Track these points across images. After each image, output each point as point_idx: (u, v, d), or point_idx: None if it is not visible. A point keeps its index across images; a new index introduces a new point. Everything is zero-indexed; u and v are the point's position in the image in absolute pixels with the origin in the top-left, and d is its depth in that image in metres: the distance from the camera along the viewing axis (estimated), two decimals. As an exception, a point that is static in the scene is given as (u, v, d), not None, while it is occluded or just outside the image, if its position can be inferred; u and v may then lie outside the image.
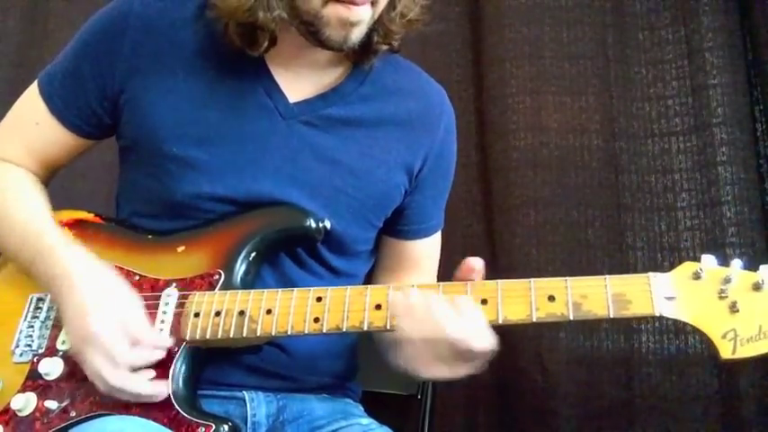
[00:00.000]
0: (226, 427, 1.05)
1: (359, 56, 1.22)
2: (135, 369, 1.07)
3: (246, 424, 1.20)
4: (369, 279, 1.41)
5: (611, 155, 1.93)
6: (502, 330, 1.91)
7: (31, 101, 1.28)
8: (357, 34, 1.13)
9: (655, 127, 1.92)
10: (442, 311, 1.02)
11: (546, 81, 1.97)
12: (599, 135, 1.94)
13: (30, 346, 1.17)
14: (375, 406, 1.38)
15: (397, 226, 1.36)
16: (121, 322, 1.07)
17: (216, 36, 1.20)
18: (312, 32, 1.13)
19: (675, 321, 1.77)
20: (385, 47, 1.22)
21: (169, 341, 1.11)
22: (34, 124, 1.28)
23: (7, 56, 2.23)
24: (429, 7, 1.26)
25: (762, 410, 1.72)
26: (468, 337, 1.01)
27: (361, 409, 1.35)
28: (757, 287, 0.95)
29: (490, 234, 2.01)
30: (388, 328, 1.06)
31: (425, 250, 1.41)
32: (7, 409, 1.12)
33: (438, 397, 1.77)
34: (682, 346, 1.82)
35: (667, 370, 1.83)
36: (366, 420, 1.28)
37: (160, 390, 1.07)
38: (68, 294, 1.10)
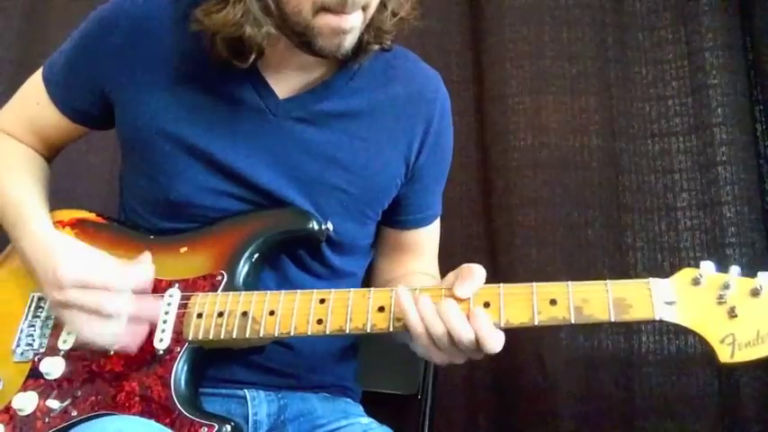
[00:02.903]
0: (228, 427, 1.05)
1: (350, 56, 1.19)
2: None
3: (248, 423, 1.21)
4: (369, 267, 1.41)
5: (611, 155, 1.93)
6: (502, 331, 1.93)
7: (34, 83, 1.34)
8: (350, 41, 1.12)
9: (655, 127, 1.92)
10: (452, 317, 1.01)
11: (546, 81, 1.97)
12: (599, 135, 1.94)
13: (31, 345, 1.18)
14: (375, 406, 1.38)
15: (397, 216, 1.35)
16: (92, 261, 1.13)
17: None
18: (305, 42, 1.12)
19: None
20: (376, 46, 1.20)
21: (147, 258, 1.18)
22: (35, 104, 1.33)
23: (7, 55, 2.23)
24: (420, 2, 1.24)
25: (762, 410, 1.72)
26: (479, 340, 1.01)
27: (361, 409, 1.35)
28: (755, 293, 0.96)
29: (490, 234, 2.01)
30: (391, 330, 1.06)
31: (426, 238, 1.41)
32: (8, 408, 1.12)
33: (438, 397, 1.77)
34: (682, 346, 1.82)
35: (667, 370, 1.82)
36: (366, 420, 1.28)
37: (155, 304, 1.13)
38: (40, 264, 1.14)
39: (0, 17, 2.24)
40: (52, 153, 1.40)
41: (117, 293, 1.10)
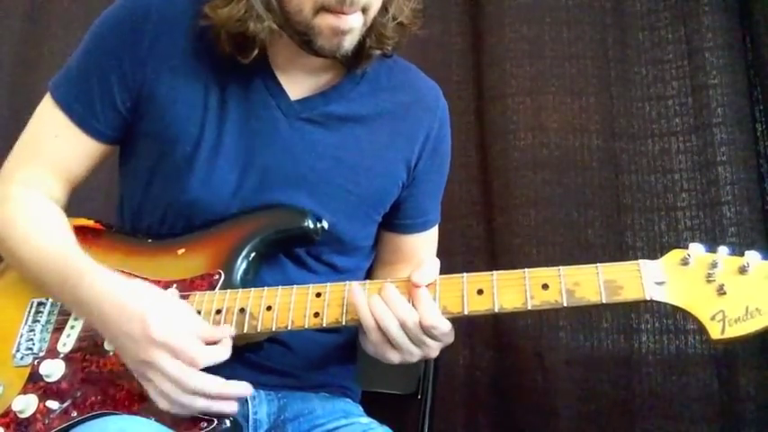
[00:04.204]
0: (227, 421, 1.05)
1: (352, 60, 1.22)
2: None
3: (248, 422, 1.21)
4: (367, 272, 1.41)
5: (611, 155, 1.94)
6: (502, 330, 1.93)
7: (46, 114, 1.26)
8: (349, 42, 1.14)
9: (655, 127, 1.92)
10: (393, 298, 1.05)
11: (546, 81, 1.97)
12: (599, 135, 1.94)
13: (31, 349, 1.18)
14: (375, 406, 1.38)
15: (395, 220, 1.37)
16: (184, 324, 1.05)
17: None
18: (305, 41, 1.15)
19: (675, 321, 1.81)
20: (378, 51, 1.23)
21: (232, 330, 1.09)
22: (53, 138, 1.25)
23: (8, 56, 2.23)
24: (422, 11, 1.26)
25: (762, 410, 1.72)
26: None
27: (361, 409, 1.36)
28: (743, 270, 0.98)
29: (490, 234, 2.01)
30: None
31: (423, 244, 1.42)
32: (8, 412, 1.12)
33: (438, 397, 1.77)
34: (682, 346, 1.82)
35: (667, 370, 1.82)
36: (366, 419, 1.28)
37: (243, 388, 1.07)
38: (115, 314, 1.06)
39: (0, 17, 2.24)
40: (71, 191, 1.30)
41: (221, 348, 1.07)
